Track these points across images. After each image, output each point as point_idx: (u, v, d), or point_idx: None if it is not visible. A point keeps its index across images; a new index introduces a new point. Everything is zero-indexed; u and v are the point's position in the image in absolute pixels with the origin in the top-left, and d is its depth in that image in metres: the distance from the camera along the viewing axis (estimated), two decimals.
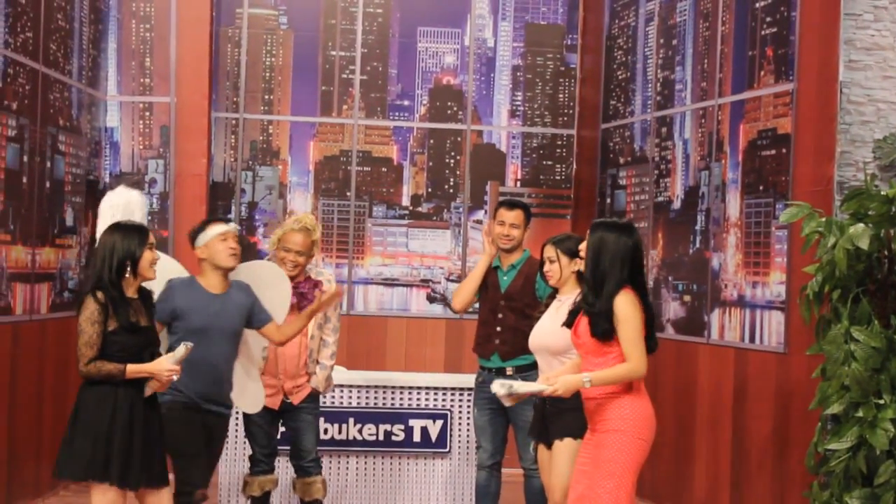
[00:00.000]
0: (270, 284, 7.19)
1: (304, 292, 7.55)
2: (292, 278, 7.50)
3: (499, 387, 6.03)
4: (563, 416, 6.58)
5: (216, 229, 6.91)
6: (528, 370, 7.50)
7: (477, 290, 7.92)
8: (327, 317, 7.81)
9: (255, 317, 7.00)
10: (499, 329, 7.73)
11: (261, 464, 7.85)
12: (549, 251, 6.92)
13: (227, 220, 7.18)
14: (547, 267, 6.90)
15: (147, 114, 10.58)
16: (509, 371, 7.66)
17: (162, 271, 6.41)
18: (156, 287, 6.44)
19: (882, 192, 6.84)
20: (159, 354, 6.14)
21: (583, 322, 6.05)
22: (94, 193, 10.16)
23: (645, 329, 5.97)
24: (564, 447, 6.58)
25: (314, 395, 7.85)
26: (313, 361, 7.79)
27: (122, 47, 10.57)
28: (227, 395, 6.96)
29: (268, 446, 7.85)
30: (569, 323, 6.19)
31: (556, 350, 6.67)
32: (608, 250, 6.01)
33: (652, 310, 6.11)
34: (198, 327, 6.69)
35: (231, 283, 6.96)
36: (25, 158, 8.71)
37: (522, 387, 6.08)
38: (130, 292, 6.08)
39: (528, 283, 7.77)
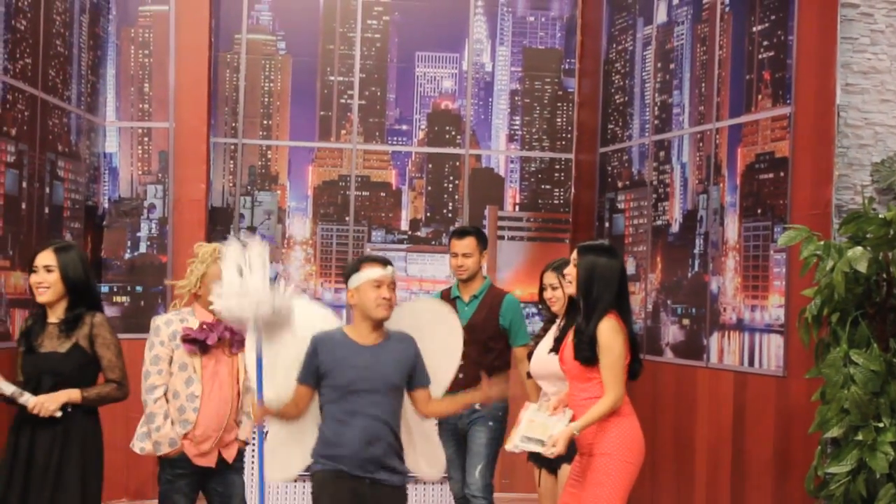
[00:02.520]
0: (434, 333, 6.32)
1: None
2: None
3: (527, 444, 6.13)
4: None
5: (370, 273, 6.06)
6: None
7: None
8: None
9: (414, 377, 6.17)
10: (461, 363, 6.68)
11: None
12: (551, 278, 6.92)
13: (385, 262, 6.19)
14: (549, 294, 6.90)
15: (146, 139, 10.59)
16: (477, 406, 7.37)
17: (307, 322, 6.06)
18: (300, 343, 6.06)
19: (880, 216, 6.85)
20: (64, 385, 6.11)
21: (568, 347, 6.08)
22: (92, 219, 10.17)
23: (629, 353, 6.01)
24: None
25: (242, 451, 6.96)
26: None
27: (121, 73, 10.59)
28: (390, 461, 6.07)
29: None
30: (555, 349, 6.23)
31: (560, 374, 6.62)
32: (600, 274, 6.04)
33: (635, 334, 6.16)
34: (344, 385, 5.99)
35: (389, 334, 6.14)
36: (24, 184, 8.72)
37: (547, 434, 6.11)
38: (53, 317, 6.15)
39: (492, 315, 7.63)
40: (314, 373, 6.02)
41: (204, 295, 6.60)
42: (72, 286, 6.26)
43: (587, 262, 6.09)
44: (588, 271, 6.07)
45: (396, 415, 6.06)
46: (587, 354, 5.95)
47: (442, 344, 6.31)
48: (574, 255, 6.25)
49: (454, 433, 7.60)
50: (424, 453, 6.36)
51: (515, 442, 6.21)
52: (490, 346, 7.39)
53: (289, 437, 6.25)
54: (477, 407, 7.28)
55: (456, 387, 6.55)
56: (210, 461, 6.71)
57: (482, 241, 7.66)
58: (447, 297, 7.72)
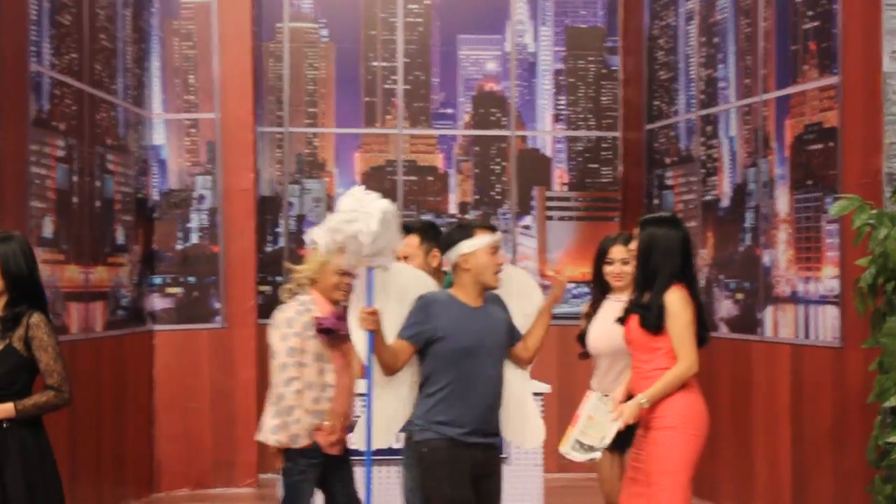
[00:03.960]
0: (521, 294, 6.19)
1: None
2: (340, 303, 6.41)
3: (578, 454, 6.07)
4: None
5: (485, 239, 5.87)
6: None
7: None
8: None
9: (513, 333, 6.04)
10: None
11: None
12: (622, 252, 6.77)
13: (494, 228, 6.06)
14: (618, 269, 6.79)
15: (193, 130, 10.64)
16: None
17: (402, 283, 5.89)
18: (390, 303, 5.83)
19: None
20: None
21: (633, 319, 6.05)
22: (143, 211, 10.24)
23: (696, 322, 5.97)
24: None
25: None
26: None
27: (166, 65, 10.64)
28: (498, 426, 5.97)
29: None
30: (622, 319, 6.18)
31: (622, 347, 6.42)
32: (658, 245, 6.01)
33: (702, 303, 6.12)
34: (465, 347, 5.78)
35: (485, 296, 5.99)
36: (75, 178, 8.78)
37: (602, 441, 6.07)
38: None
39: None
40: (423, 334, 5.77)
41: (323, 282, 6.44)
42: (12, 281, 5.61)
43: (646, 234, 6.07)
44: (646, 243, 6.05)
45: (502, 378, 5.94)
46: (654, 322, 5.90)
47: (525, 301, 6.16)
48: (637, 229, 6.22)
49: None
50: (523, 422, 6.15)
51: (567, 449, 6.13)
52: None
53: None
54: None
55: None
56: (339, 450, 6.52)
57: (428, 237, 6.66)
58: None
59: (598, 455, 6.06)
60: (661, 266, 6.00)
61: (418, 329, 5.77)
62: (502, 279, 5.96)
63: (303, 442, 6.45)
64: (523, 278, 6.33)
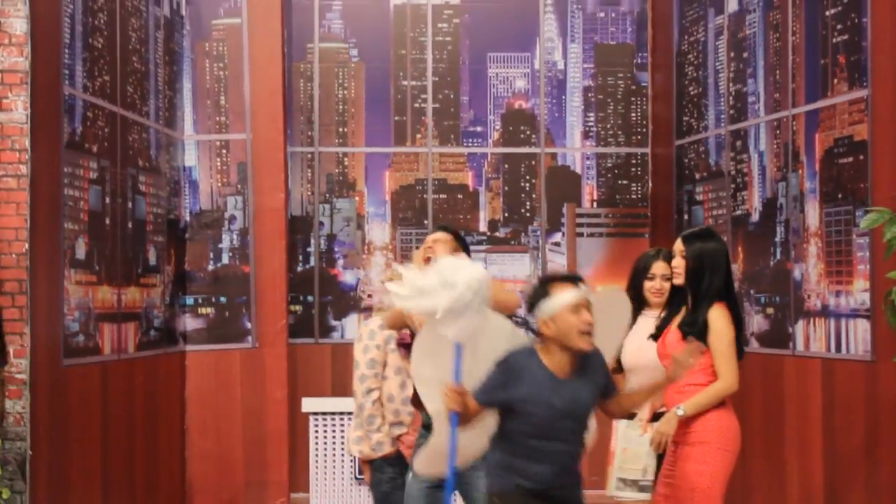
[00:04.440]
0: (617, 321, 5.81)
1: None
2: None
3: (629, 493, 6.04)
4: None
5: (564, 297, 5.23)
6: None
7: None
8: None
9: (607, 388, 5.51)
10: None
11: None
12: (664, 268, 6.61)
13: (576, 279, 5.36)
14: (658, 285, 6.71)
15: (224, 151, 10.70)
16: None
17: (494, 331, 5.46)
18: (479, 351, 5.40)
19: None
20: None
21: (673, 334, 6.03)
22: (175, 232, 10.29)
23: (735, 341, 5.97)
24: None
25: None
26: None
27: (197, 87, 10.71)
28: (578, 470, 5.53)
29: None
30: (656, 336, 6.18)
31: (657, 363, 6.36)
32: (707, 260, 6.01)
33: (743, 319, 6.12)
34: (540, 423, 5.27)
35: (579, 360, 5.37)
36: (107, 200, 8.84)
37: (646, 475, 6.05)
38: None
39: None
40: (500, 401, 5.29)
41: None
42: None
43: (695, 249, 6.04)
44: (697, 259, 6.02)
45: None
46: (699, 339, 5.84)
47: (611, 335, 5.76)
48: (679, 244, 6.16)
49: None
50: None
51: (613, 490, 6.12)
52: None
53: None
54: None
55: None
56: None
57: (460, 240, 6.46)
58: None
59: (647, 496, 6.04)
60: (712, 282, 6.00)
61: (494, 396, 5.28)
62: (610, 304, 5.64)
63: (386, 450, 6.53)
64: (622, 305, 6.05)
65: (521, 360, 5.27)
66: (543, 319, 5.21)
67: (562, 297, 5.18)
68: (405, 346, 6.43)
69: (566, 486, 5.38)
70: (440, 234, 6.33)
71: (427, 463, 5.73)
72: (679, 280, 6.16)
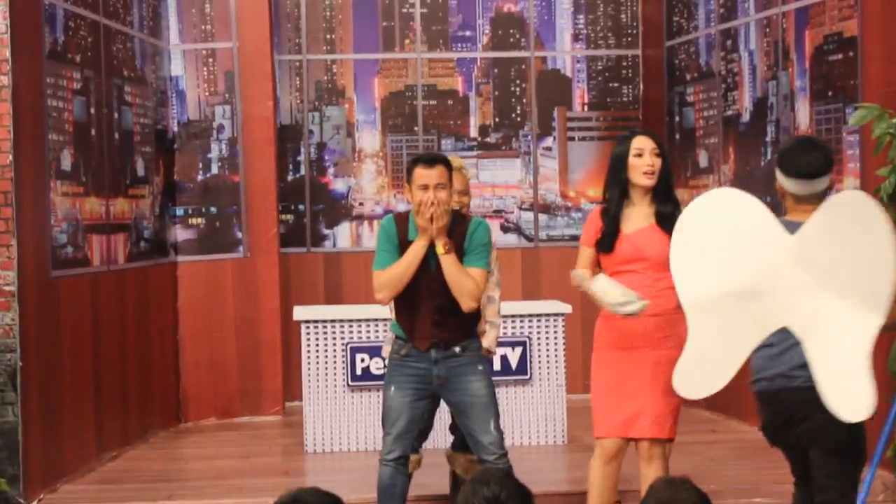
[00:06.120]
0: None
1: None
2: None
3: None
4: None
5: None
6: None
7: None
8: (491, 269, 6.54)
9: None
10: (436, 317, 6.08)
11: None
12: (652, 143, 6.35)
13: None
14: (651, 160, 6.33)
15: (210, 60, 10.60)
16: (457, 350, 6.14)
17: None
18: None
19: None
20: None
21: (651, 230, 5.93)
22: (163, 143, 10.23)
23: None
24: None
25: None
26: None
27: None
28: None
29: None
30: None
31: None
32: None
33: None
34: None
35: None
36: (93, 111, 8.77)
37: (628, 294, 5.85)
38: None
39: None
40: None
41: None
42: None
43: (662, 146, 6.02)
44: (664, 156, 5.99)
45: None
46: None
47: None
48: (651, 143, 5.98)
49: (416, 382, 6.11)
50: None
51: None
52: None
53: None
54: (457, 350, 6.10)
55: (442, 338, 6.05)
56: None
57: (450, 169, 6.08)
58: (404, 234, 6.09)
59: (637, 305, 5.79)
60: (671, 172, 5.98)
61: None
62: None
63: None
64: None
65: None
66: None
67: None
68: None
69: None
70: (440, 175, 5.94)
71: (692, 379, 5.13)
72: (653, 180, 5.96)
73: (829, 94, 8.59)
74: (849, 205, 4.81)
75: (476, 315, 6.18)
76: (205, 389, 10.37)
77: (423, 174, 5.93)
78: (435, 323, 6.03)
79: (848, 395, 4.67)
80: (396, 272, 6.00)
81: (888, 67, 7.90)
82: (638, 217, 5.95)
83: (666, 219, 5.87)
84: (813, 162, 5.16)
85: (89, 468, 8.46)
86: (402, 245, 6.03)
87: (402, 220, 6.11)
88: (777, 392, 5.15)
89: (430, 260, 5.98)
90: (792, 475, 5.43)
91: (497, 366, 8.72)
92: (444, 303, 6.00)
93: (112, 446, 8.91)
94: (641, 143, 5.89)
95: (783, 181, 5.24)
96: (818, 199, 5.13)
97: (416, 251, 5.95)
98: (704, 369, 4.97)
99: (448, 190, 5.97)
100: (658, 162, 5.90)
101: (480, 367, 6.17)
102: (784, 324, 4.83)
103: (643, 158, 5.86)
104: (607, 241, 5.94)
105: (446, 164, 6.04)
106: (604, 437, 5.98)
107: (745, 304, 4.84)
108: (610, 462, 5.98)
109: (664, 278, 5.66)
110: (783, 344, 5.04)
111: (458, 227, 6.03)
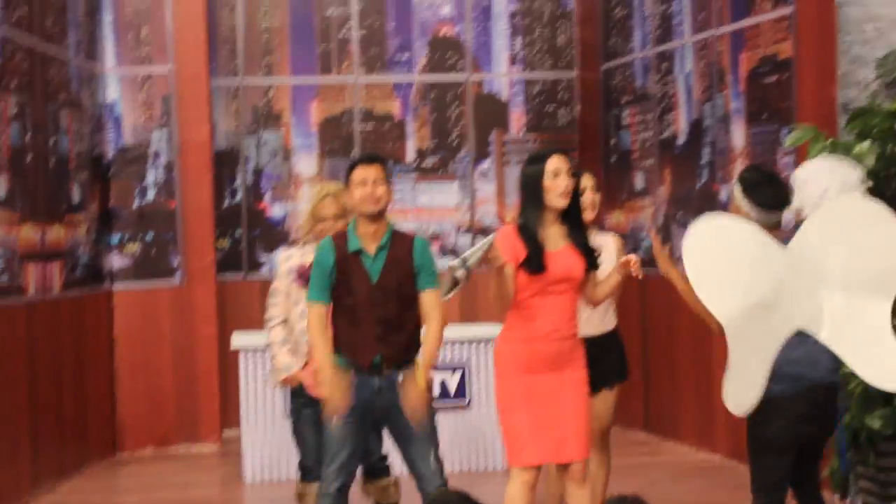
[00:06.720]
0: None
1: None
2: None
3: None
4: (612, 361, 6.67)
5: None
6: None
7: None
8: None
9: None
10: (378, 329, 5.94)
11: (313, 471, 6.83)
12: (589, 179, 6.66)
13: None
14: (591, 197, 6.57)
15: (147, 85, 10.53)
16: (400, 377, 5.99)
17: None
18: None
19: (886, 108, 6.80)
20: None
21: (576, 257, 5.90)
22: (99, 168, 10.14)
23: None
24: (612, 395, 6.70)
25: None
26: None
27: (118, 19, 10.50)
28: None
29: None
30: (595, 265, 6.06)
31: None
32: None
33: None
34: None
35: None
36: (28, 137, 8.68)
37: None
38: None
39: (406, 265, 6.07)
40: None
41: (319, 232, 6.70)
42: None
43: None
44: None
45: None
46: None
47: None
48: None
49: (358, 409, 5.95)
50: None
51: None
52: (410, 303, 6.00)
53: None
54: (399, 379, 5.95)
55: (386, 354, 5.91)
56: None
57: (388, 172, 6.11)
58: (343, 250, 5.95)
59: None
60: (579, 192, 6.00)
61: None
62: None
63: (282, 376, 6.94)
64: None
65: None
66: None
67: None
68: (300, 277, 6.70)
69: None
70: (377, 171, 5.98)
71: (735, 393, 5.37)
72: (568, 201, 5.96)
73: (765, 115, 8.65)
74: (848, 207, 5.33)
75: (417, 338, 6.14)
76: (141, 419, 10.28)
77: (361, 171, 5.96)
78: (378, 337, 5.96)
79: (882, 366, 5.14)
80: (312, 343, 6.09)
81: (822, 89, 7.97)
82: (555, 237, 5.86)
83: (580, 240, 5.88)
84: (782, 197, 5.62)
85: (24, 502, 8.35)
86: (341, 262, 5.97)
87: (339, 237, 6.07)
88: (803, 390, 5.50)
89: (370, 272, 5.94)
90: (787, 483, 5.60)
91: (436, 391, 8.69)
92: (387, 316, 5.96)
93: (48, 478, 8.79)
94: (557, 164, 5.81)
95: (750, 210, 5.52)
96: (777, 226, 5.55)
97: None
98: (745, 382, 5.26)
99: (386, 187, 5.98)
100: (573, 183, 5.88)
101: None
102: (798, 327, 5.19)
103: (560, 179, 5.80)
104: (537, 260, 5.79)
105: (384, 163, 6.08)
106: (529, 465, 5.90)
107: (764, 315, 5.17)
108: (533, 489, 5.93)
109: (576, 299, 5.85)
110: (802, 346, 5.36)
111: (402, 244, 5.98)
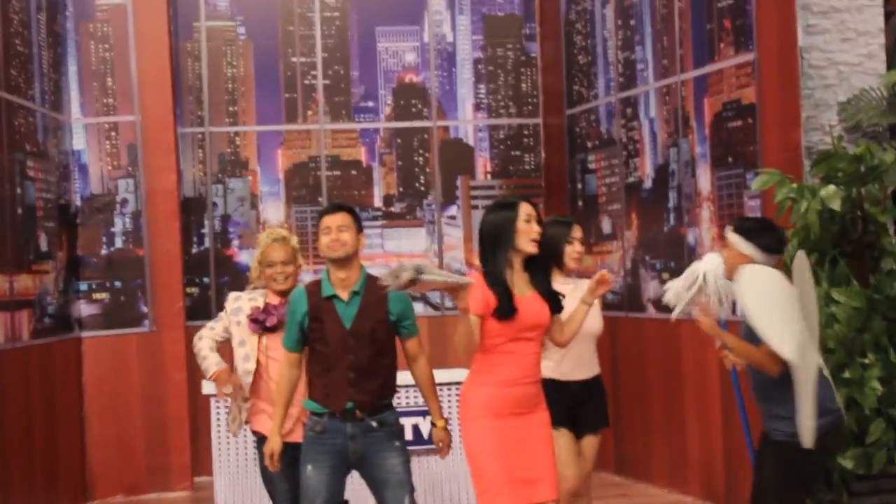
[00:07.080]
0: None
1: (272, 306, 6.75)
2: (285, 292, 6.63)
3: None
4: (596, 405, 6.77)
5: None
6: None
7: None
8: None
9: None
10: (351, 374, 6.01)
11: None
12: (579, 231, 6.83)
13: None
14: (579, 248, 6.74)
15: (113, 134, 10.55)
16: (373, 424, 6.08)
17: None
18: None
19: (850, 153, 6.89)
20: None
21: (542, 303, 5.93)
22: (66, 217, 10.14)
23: None
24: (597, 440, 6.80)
25: None
26: None
27: (83, 69, 10.54)
28: None
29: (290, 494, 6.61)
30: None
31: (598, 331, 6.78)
32: None
33: None
34: None
35: None
36: None
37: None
38: None
39: (380, 312, 6.12)
40: None
41: (268, 277, 6.80)
42: None
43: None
44: None
45: None
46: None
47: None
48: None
49: (332, 458, 6.03)
50: None
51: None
52: (384, 349, 6.06)
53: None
54: (373, 424, 6.04)
55: (358, 400, 5.95)
56: (297, 437, 6.32)
57: (357, 220, 6.14)
58: (317, 296, 6.05)
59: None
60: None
61: None
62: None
63: (214, 371, 6.92)
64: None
65: None
66: None
67: None
68: (253, 321, 6.72)
69: None
70: (342, 219, 6.05)
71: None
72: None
73: (730, 160, 8.75)
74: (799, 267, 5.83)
75: (392, 384, 6.17)
76: (112, 466, 10.24)
77: (326, 219, 6.05)
78: (351, 383, 5.98)
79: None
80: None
81: (786, 133, 8.08)
82: (520, 283, 5.90)
83: (544, 286, 5.91)
84: (784, 241, 6.04)
85: None
86: (314, 309, 6.01)
87: (313, 284, 6.11)
88: (838, 423, 5.89)
89: (343, 318, 5.98)
90: None
91: (408, 435, 8.68)
92: (360, 362, 5.98)
93: None
94: (529, 211, 5.88)
95: (753, 254, 5.86)
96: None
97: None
98: (811, 415, 5.58)
99: (352, 233, 6.03)
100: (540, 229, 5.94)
101: (397, 444, 6.12)
102: (818, 363, 5.69)
103: (532, 224, 5.85)
104: (508, 306, 5.74)
105: (350, 211, 6.13)
106: None
107: (811, 349, 5.67)
108: None
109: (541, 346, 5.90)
110: (823, 380, 5.79)
111: (376, 289, 5.96)
